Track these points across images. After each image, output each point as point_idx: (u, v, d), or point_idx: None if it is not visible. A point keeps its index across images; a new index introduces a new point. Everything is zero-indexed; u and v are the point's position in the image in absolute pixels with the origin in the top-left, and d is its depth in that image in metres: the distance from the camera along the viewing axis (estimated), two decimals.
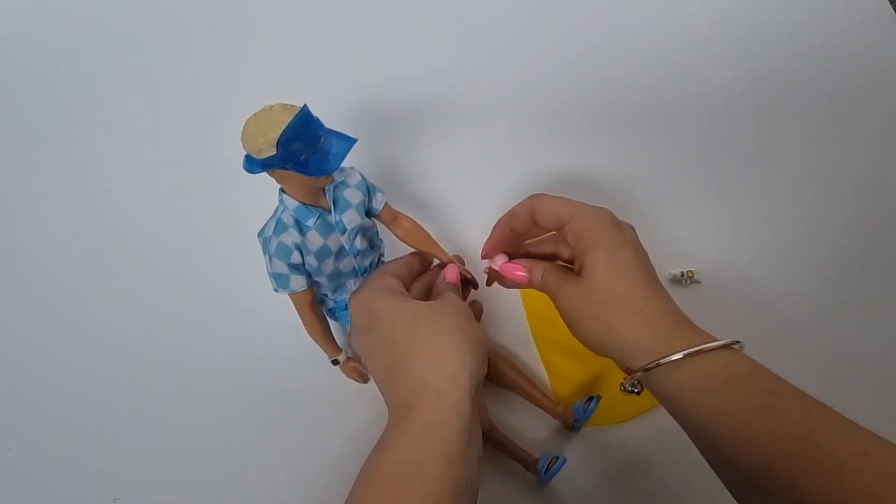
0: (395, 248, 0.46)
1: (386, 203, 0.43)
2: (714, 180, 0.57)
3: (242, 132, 0.33)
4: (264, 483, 0.45)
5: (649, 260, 0.38)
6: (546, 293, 0.40)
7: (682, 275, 0.51)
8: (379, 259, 0.46)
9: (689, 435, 0.34)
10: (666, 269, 0.52)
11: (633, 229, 0.39)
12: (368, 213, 0.42)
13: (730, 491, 0.32)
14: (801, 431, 0.29)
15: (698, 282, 0.52)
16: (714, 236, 0.54)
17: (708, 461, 0.33)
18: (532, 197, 0.40)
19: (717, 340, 0.33)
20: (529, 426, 0.46)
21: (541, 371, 0.49)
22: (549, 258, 0.43)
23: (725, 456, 0.32)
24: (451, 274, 0.44)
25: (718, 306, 0.51)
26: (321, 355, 0.45)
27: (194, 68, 0.64)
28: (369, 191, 0.41)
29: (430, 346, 0.36)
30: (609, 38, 0.64)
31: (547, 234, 0.43)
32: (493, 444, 0.45)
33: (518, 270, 0.41)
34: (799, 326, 0.50)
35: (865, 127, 0.59)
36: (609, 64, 0.63)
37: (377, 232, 0.45)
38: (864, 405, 0.46)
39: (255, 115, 0.33)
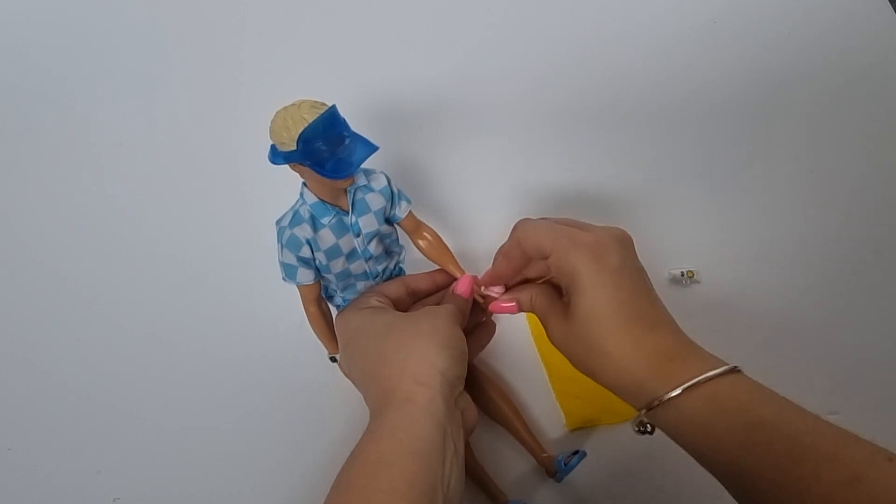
0: (416, 255, 0.45)
1: (410, 212, 0.42)
2: (714, 180, 0.57)
3: (271, 122, 0.34)
4: (265, 482, 0.45)
5: (640, 280, 0.36)
6: (538, 318, 0.40)
7: (682, 275, 0.51)
8: (396, 265, 0.46)
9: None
10: (666, 269, 0.52)
11: (623, 243, 0.36)
12: (390, 220, 0.42)
13: None
14: (787, 464, 0.28)
15: (698, 282, 0.52)
16: (714, 236, 0.54)
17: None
18: (515, 228, 0.39)
19: (710, 367, 0.32)
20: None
21: (548, 391, 0.48)
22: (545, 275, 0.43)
23: (727, 486, 0.31)
24: (462, 286, 0.42)
25: (718, 306, 0.51)
26: (323, 355, 0.45)
27: (195, 68, 0.64)
28: (393, 197, 0.41)
29: (401, 352, 0.36)
30: (609, 38, 0.64)
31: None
32: (468, 472, 0.43)
33: (505, 304, 0.41)
34: (799, 326, 0.51)
35: (865, 127, 0.59)
36: (609, 64, 0.63)
37: (397, 239, 0.44)
38: (864, 404, 0.46)
39: (285, 107, 0.34)
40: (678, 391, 0.32)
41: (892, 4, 0.65)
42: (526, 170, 0.57)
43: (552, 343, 0.38)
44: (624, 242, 0.36)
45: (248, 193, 0.56)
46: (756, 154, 0.58)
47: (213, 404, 0.48)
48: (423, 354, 0.36)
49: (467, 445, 0.44)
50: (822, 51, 0.63)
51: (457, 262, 0.44)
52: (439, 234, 0.44)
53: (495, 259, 0.41)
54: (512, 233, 0.39)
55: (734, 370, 0.32)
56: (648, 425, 0.35)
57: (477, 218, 0.55)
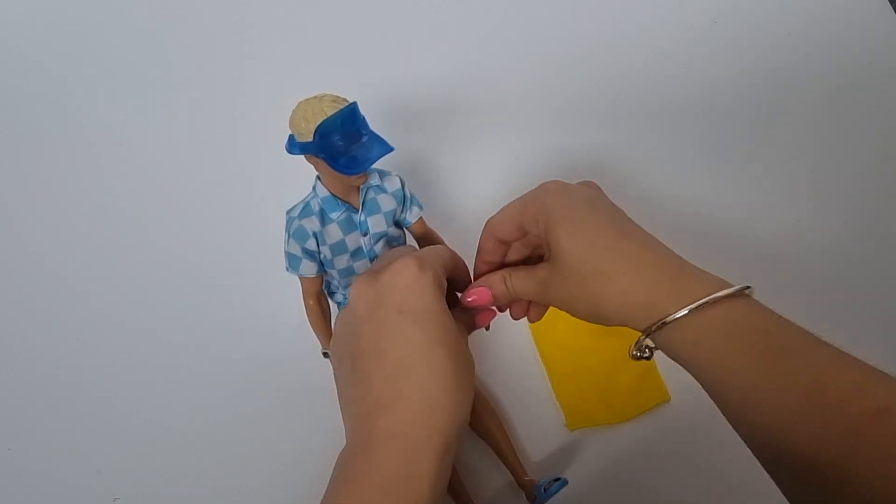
0: None
1: (421, 218, 0.43)
2: (714, 180, 0.57)
3: (292, 111, 0.34)
4: (266, 482, 0.45)
5: (618, 210, 0.35)
6: (525, 297, 0.37)
7: None
8: None
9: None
10: None
11: (588, 184, 0.36)
12: (400, 224, 0.42)
13: (749, 448, 0.30)
14: (812, 391, 0.26)
15: None
16: (714, 236, 0.54)
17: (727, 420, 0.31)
18: (486, 224, 0.38)
19: (719, 288, 0.30)
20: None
21: (548, 391, 0.48)
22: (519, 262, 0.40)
23: (737, 416, 0.29)
24: (483, 320, 0.38)
25: None
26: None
27: (195, 68, 0.64)
28: (405, 201, 0.41)
29: (463, 383, 0.31)
30: (608, 38, 0.64)
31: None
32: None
33: (472, 296, 0.37)
34: (800, 325, 0.50)
35: (865, 127, 0.59)
36: (608, 64, 0.63)
37: (405, 243, 0.45)
38: None
39: (307, 98, 0.34)
40: (685, 311, 0.30)
41: (892, 4, 0.65)
42: (526, 170, 0.57)
43: (557, 306, 0.35)
44: (589, 183, 0.36)
45: (248, 194, 0.56)
46: (756, 154, 0.58)
47: (214, 404, 0.48)
48: (463, 406, 0.32)
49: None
50: (823, 51, 0.63)
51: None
52: (444, 237, 0.45)
53: (475, 270, 0.40)
54: (482, 232, 0.38)
55: (746, 291, 0.31)
56: (647, 349, 0.33)
57: (480, 220, 0.54)
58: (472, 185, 0.56)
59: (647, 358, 0.33)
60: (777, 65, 0.63)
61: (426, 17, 0.66)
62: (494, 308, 0.40)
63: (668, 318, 0.30)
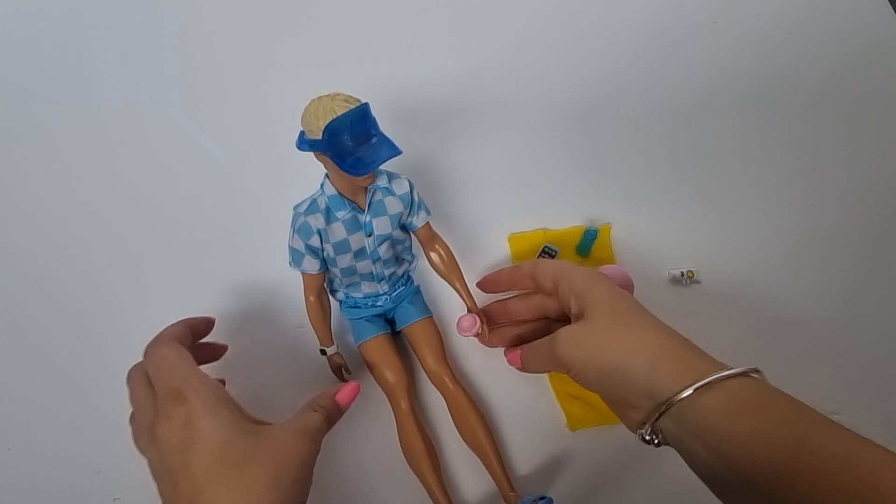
0: (428, 268, 0.45)
1: (427, 223, 0.43)
2: (714, 180, 0.57)
3: (304, 108, 0.35)
4: None
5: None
6: (537, 351, 0.40)
7: (682, 275, 0.51)
8: (405, 273, 0.46)
9: (708, 475, 0.32)
10: (666, 269, 0.52)
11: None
12: (406, 227, 0.42)
13: None
14: (845, 465, 0.27)
15: (698, 282, 0.52)
16: (714, 236, 0.54)
17: (727, 499, 0.32)
18: (534, 260, 0.43)
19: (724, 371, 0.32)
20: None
21: (549, 392, 0.48)
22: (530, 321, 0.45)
23: (758, 490, 0.29)
24: (346, 395, 0.40)
25: (718, 306, 0.51)
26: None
27: (196, 68, 0.64)
28: (413, 205, 0.41)
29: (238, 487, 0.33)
30: (608, 38, 0.64)
31: (521, 293, 0.46)
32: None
33: (515, 362, 0.42)
34: (799, 326, 0.51)
35: (865, 127, 0.60)
36: (607, 64, 0.63)
37: (409, 247, 0.45)
38: (864, 404, 0.46)
39: (321, 96, 0.35)
40: (727, 372, 0.31)
41: (892, 4, 0.65)
42: (532, 170, 0.57)
43: (572, 361, 0.36)
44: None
45: (256, 192, 0.56)
46: (755, 154, 0.58)
47: None
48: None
49: (434, 468, 0.43)
50: (822, 51, 0.63)
51: (464, 281, 0.44)
52: (447, 240, 0.45)
53: (501, 271, 0.44)
54: (529, 262, 0.43)
55: (756, 375, 0.32)
56: (659, 434, 0.34)
57: (483, 222, 0.55)
58: (477, 187, 0.56)
59: (657, 444, 0.34)
60: (777, 65, 0.63)
61: (434, 21, 0.66)
62: (478, 322, 0.45)
63: (709, 379, 0.31)
